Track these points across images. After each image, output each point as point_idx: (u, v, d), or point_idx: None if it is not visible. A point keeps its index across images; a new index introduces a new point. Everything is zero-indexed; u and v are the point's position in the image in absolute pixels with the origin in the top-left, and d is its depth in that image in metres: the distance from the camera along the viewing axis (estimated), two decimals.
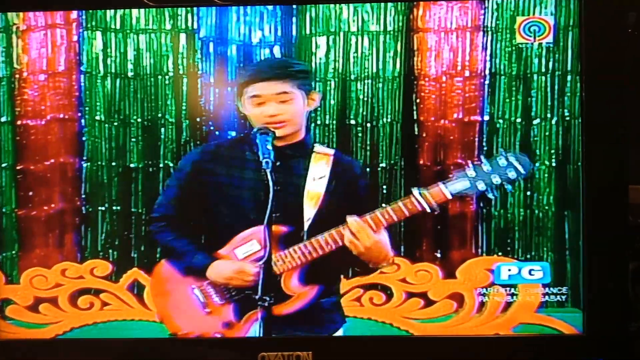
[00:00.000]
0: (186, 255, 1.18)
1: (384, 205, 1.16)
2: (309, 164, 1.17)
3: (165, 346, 1.13)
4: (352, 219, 1.15)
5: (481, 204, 1.16)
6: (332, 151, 1.17)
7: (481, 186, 1.13)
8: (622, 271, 1.00)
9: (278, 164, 1.13)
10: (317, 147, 1.17)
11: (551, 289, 1.09)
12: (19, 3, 1.15)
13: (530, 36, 1.10)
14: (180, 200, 1.18)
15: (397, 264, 1.18)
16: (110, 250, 1.20)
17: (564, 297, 1.09)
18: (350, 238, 1.15)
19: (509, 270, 1.12)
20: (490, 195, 1.14)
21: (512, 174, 1.13)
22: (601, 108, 1.03)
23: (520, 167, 1.13)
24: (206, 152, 1.18)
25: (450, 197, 1.13)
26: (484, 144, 1.15)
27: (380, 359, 1.11)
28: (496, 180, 1.13)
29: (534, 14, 1.15)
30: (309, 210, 1.16)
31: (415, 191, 1.14)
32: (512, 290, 1.17)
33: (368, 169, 1.17)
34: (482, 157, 1.14)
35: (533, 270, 1.11)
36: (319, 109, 1.16)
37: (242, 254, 1.17)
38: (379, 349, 1.10)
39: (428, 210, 1.13)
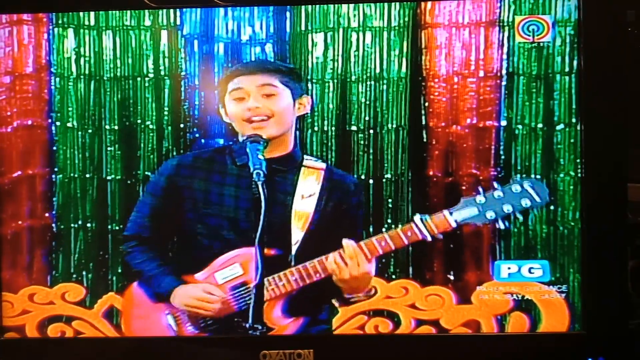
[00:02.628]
0: (154, 279, 1.10)
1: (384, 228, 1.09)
2: (297, 179, 1.09)
3: (167, 345, 1.10)
4: (347, 242, 1.07)
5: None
6: (323, 165, 1.10)
7: (490, 215, 1.06)
8: (622, 269, 1.01)
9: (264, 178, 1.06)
10: (307, 161, 1.10)
11: (550, 287, 1.05)
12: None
13: (529, 35, 1.05)
14: (153, 218, 1.11)
15: (405, 288, 1.10)
16: (84, 273, 1.13)
17: (563, 295, 1.04)
18: (339, 261, 1.06)
19: (509, 268, 1.06)
20: (499, 226, 1.07)
21: (526, 203, 1.06)
22: (600, 106, 1.01)
23: (535, 196, 1.06)
24: (182, 164, 1.10)
25: (455, 225, 1.07)
26: (501, 152, 1.08)
27: (380, 357, 1.07)
28: (507, 209, 1.06)
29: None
30: (297, 232, 1.08)
31: (417, 218, 1.07)
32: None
33: (372, 181, 1.09)
34: (495, 182, 1.07)
35: (532, 268, 1.06)
36: (316, 113, 1.10)
37: (222, 279, 1.09)
38: (379, 347, 1.07)
39: (429, 239, 1.07)
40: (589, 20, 1.02)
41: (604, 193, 1.01)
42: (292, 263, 1.08)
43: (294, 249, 1.08)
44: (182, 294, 1.09)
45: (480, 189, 1.06)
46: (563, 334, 1.04)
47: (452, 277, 1.09)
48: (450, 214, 1.06)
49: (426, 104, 1.08)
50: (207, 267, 1.10)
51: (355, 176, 1.09)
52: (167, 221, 1.11)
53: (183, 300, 1.09)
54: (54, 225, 1.12)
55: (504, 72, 1.07)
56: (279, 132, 1.09)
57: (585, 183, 1.03)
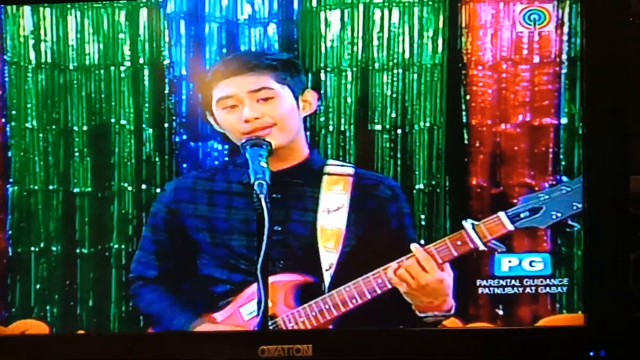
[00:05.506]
0: (165, 319, 1.05)
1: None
2: (319, 191, 1.03)
3: (166, 341, 1.07)
4: (416, 246, 1.00)
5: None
6: (351, 170, 1.02)
7: (558, 215, 0.99)
8: (624, 262, 1.03)
9: (277, 195, 0.99)
10: (331, 167, 1.03)
11: (552, 280, 1.03)
12: None
13: (530, 25, 1.00)
14: (159, 255, 1.05)
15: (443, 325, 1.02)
16: (48, 307, 1.06)
17: (564, 288, 1.03)
18: (413, 265, 0.98)
19: (509, 261, 1.02)
20: (572, 225, 1.00)
21: None
22: (602, 97, 1.00)
23: None
24: (182, 189, 1.04)
25: (512, 229, 0.99)
26: (562, 156, 1.00)
27: (380, 352, 1.05)
28: (578, 206, 0.99)
29: None
30: (329, 256, 1.01)
31: (467, 224, 1.00)
32: None
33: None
34: (561, 176, 1.00)
35: (534, 261, 1.02)
36: (331, 109, 1.01)
37: (247, 314, 1.04)
38: (379, 342, 1.05)
39: (482, 247, 1.00)
40: (589, 8, 1.00)
41: (605, 185, 1.01)
42: (327, 292, 1.02)
43: (326, 276, 1.01)
44: None
45: (546, 185, 1.00)
46: (565, 327, 1.03)
47: (501, 312, 1.00)
48: (507, 216, 0.99)
49: (467, 97, 1.01)
50: (229, 303, 1.04)
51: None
52: (175, 256, 1.06)
53: None
54: (9, 248, 1.06)
55: (564, 57, 0.99)
56: (286, 140, 1.02)
57: (586, 174, 1.01)
